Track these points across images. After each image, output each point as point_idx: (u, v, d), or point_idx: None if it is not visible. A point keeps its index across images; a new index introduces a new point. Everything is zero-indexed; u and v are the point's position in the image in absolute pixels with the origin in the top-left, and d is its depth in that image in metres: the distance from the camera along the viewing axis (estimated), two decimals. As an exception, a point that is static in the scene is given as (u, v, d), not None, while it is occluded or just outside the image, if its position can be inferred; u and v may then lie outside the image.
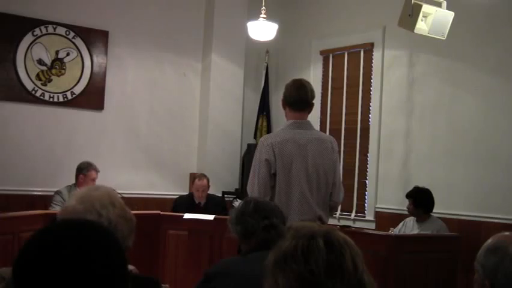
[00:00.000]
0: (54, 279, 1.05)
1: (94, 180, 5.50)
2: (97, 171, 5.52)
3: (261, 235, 2.43)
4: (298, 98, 3.52)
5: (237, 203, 5.21)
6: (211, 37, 6.91)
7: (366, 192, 6.22)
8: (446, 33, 4.52)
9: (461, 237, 4.78)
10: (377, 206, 6.08)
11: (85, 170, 5.47)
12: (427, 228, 5.08)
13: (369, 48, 6.29)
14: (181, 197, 6.05)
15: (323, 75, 6.80)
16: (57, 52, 6.22)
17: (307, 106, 3.56)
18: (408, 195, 5.21)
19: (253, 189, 3.43)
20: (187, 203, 5.81)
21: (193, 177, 6.08)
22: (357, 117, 6.36)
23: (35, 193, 5.95)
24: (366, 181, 6.22)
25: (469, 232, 4.94)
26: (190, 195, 5.95)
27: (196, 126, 7.04)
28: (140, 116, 6.72)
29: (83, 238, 1.12)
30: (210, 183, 5.91)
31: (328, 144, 3.55)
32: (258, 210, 2.51)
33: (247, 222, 2.48)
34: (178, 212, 5.45)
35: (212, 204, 5.86)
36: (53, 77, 6.20)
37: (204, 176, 5.95)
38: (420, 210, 5.13)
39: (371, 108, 6.23)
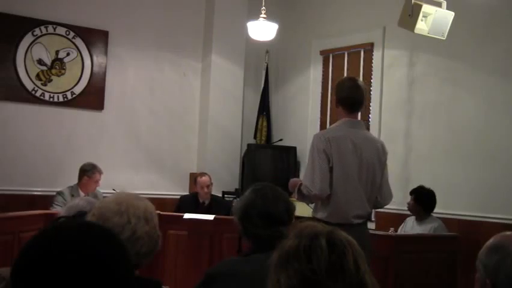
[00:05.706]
0: (53, 285, 1.01)
1: (97, 182, 5.53)
2: (100, 173, 5.54)
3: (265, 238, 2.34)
4: (355, 100, 3.60)
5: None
6: (211, 37, 6.91)
7: (366, 192, 6.21)
8: (446, 33, 4.52)
9: (461, 237, 4.79)
10: (377, 206, 6.07)
11: (89, 172, 5.49)
12: (425, 226, 5.08)
13: (369, 48, 6.29)
14: (186, 196, 6.06)
15: (323, 75, 6.80)
16: (57, 52, 6.22)
17: (362, 107, 3.69)
18: (412, 192, 5.23)
19: (313, 182, 3.43)
20: (191, 202, 5.83)
21: (194, 177, 6.08)
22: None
23: (35, 193, 5.94)
24: (366, 181, 6.21)
25: (469, 232, 4.94)
26: (195, 195, 5.95)
27: (196, 126, 7.04)
28: (140, 116, 6.71)
29: (89, 244, 1.07)
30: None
31: (378, 145, 3.66)
32: (265, 216, 2.31)
33: (249, 231, 2.33)
34: (182, 211, 5.47)
35: (216, 205, 5.84)
36: (53, 77, 6.20)
37: (205, 173, 5.98)
38: (421, 208, 5.13)
39: (371, 108, 6.23)
